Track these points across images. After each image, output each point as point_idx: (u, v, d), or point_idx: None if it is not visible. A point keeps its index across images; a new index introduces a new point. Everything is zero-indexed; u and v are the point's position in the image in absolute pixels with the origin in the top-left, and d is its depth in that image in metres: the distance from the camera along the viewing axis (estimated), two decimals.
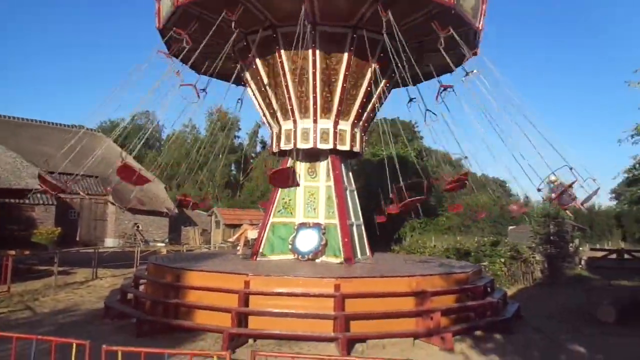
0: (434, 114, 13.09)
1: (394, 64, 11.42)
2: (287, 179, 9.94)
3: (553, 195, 9.00)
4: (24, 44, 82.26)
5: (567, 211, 11.44)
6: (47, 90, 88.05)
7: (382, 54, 11.87)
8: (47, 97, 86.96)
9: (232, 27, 10.68)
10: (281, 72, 12.05)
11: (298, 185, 10.84)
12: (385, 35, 10.75)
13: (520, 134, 9.94)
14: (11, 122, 32.87)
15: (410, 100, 14.77)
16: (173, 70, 11.09)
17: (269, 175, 10.85)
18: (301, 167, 13.01)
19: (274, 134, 13.23)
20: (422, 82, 13.89)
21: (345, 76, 12.00)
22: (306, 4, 10.09)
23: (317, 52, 11.63)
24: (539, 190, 9.11)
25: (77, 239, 30.63)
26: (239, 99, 14.99)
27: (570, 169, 8.67)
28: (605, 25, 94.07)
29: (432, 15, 11.02)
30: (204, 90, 13.25)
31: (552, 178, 8.92)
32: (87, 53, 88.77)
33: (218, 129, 28.95)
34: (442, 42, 10.83)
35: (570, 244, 19.23)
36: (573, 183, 8.60)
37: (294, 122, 12.42)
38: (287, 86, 12.12)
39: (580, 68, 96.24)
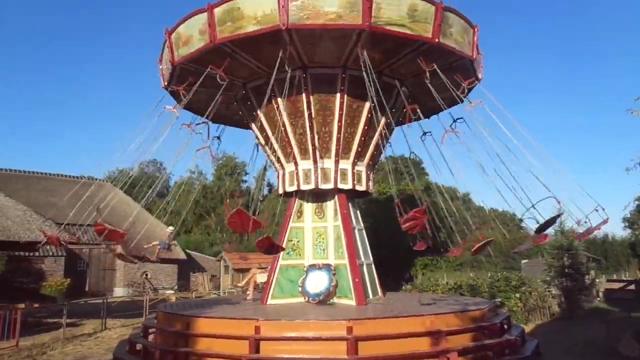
0: (416, 154, 13.34)
1: (391, 102, 11.51)
2: None
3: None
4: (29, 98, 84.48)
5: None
6: (56, 143, 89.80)
7: (376, 93, 11.57)
8: (56, 149, 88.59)
9: (218, 79, 10.72)
10: (278, 117, 12.07)
11: None
12: (380, 74, 10.86)
13: (525, 165, 9.99)
14: (22, 175, 33.50)
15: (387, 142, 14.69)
16: (173, 115, 11.38)
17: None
18: (308, 208, 12.99)
19: (287, 173, 12.93)
20: (428, 117, 13.92)
21: (340, 115, 11.89)
22: (289, 51, 10.32)
23: (310, 95, 11.73)
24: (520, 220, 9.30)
25: (87, 289, 30.44)
26: (217, 137, 15.12)
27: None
28: (604, 53, 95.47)
29: (421, 51, 10.86)
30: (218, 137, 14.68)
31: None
32: (93, 102, 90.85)
33: (225, 173, 29.13)
34: (428, 76, 10.76)
35: (586, 276, 18.81)
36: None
37: (295, 164, 12.45)
38: (285, 130, 12.16)
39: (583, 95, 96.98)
